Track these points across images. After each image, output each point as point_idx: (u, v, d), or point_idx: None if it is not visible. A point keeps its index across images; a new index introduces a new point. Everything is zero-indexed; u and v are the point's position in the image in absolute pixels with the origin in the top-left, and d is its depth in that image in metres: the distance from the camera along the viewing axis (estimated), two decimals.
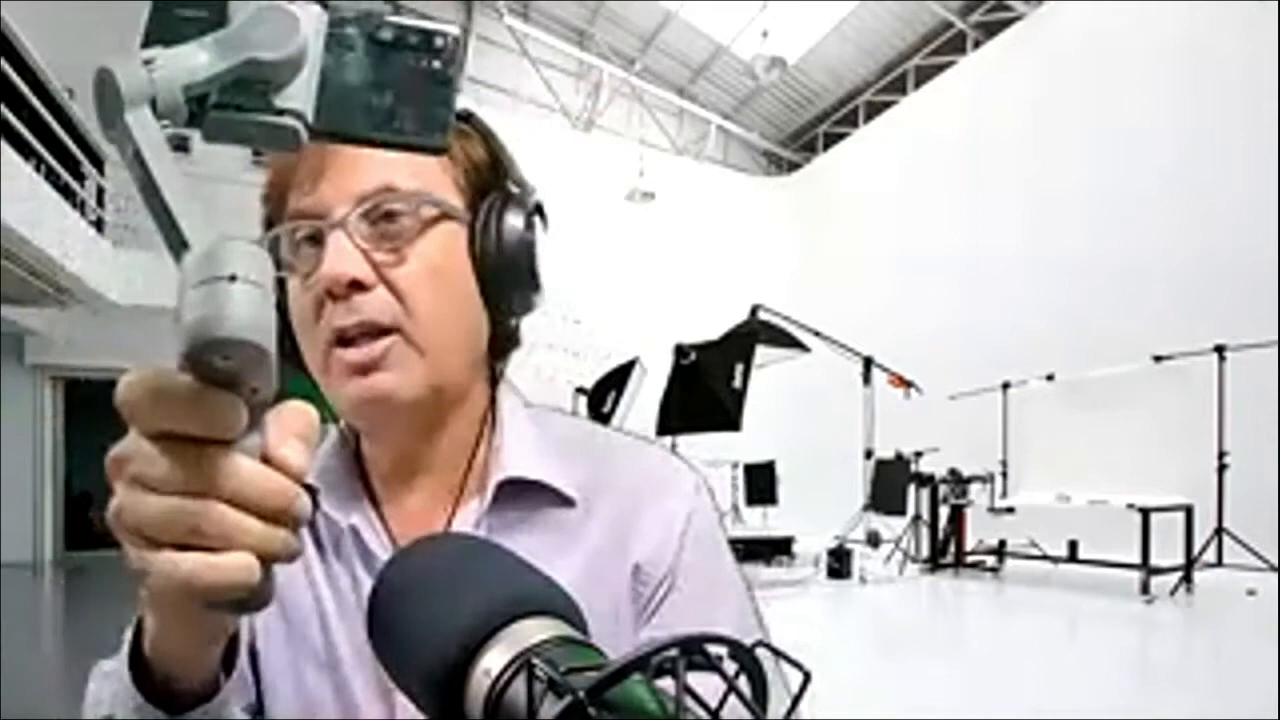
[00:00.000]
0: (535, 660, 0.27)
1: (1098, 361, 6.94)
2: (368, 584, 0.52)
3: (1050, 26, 10.35)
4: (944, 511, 7.70)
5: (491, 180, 0.60)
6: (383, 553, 0.58)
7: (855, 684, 3.66)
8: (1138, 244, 8.42)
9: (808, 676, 0.29)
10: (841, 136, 14.57)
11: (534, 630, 0.30)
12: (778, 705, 0.31)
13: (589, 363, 10.62)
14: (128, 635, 0.42)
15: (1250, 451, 6.15)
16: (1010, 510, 7.27)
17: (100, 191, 8.48)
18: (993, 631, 5.53)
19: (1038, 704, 3.44)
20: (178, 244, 0.28)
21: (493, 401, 0.63)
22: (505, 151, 0.63)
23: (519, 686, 0.27)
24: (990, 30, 11.66)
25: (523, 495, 0.58)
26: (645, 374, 7.64)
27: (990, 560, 7.51)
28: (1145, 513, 5.78)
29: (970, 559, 7.63)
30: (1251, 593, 5.57)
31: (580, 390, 8.36)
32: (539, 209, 0.61)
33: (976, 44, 11.98)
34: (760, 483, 10.00)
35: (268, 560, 0.30)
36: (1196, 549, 5.90)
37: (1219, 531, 6.07)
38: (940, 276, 11.05)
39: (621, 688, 0.25)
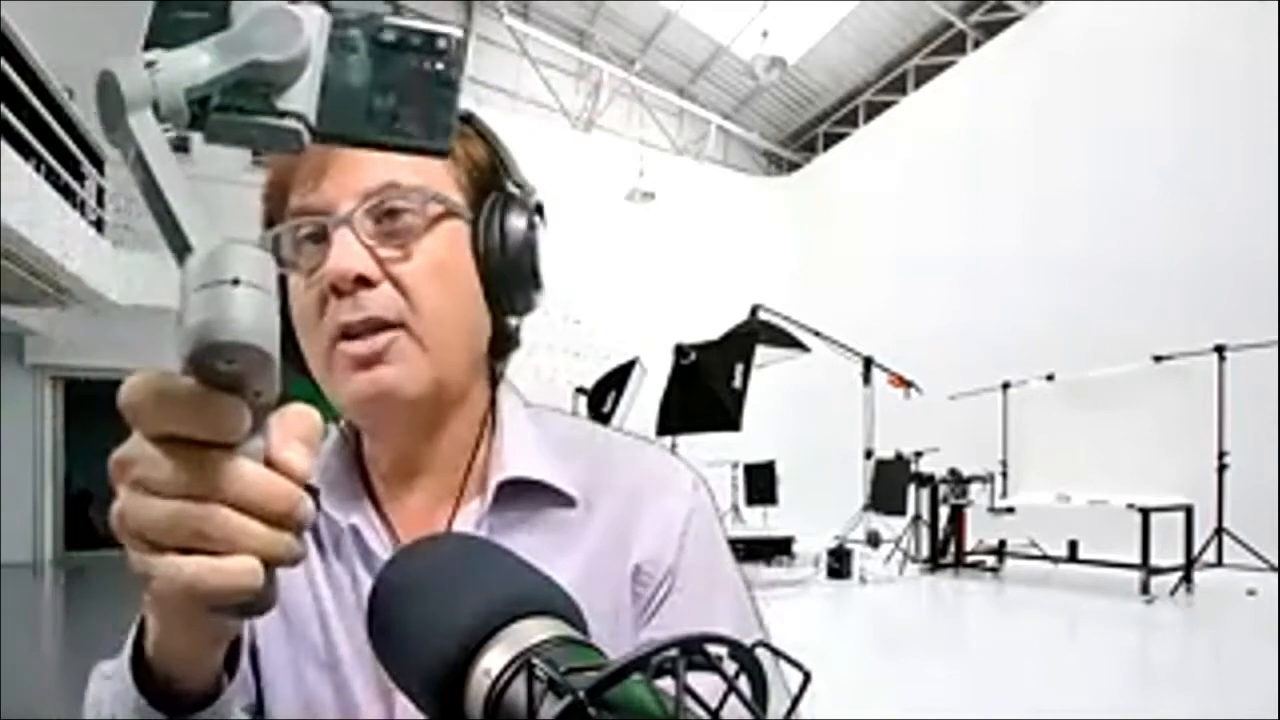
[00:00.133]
0: (535, 660, 0.27)
1: (1098, 361, 6.93)
2: (368, 583, 0.52)
3: (1050, 26, 10.35)
4: (944, 511, 7.69)
5: (493, 180, 0.60)
6: (383, 552, 0.58)
7: (855, 684, 3.65)
8: (1138, 244, 8.41)
9: (808, 676, 0.29)
10: (841, 136, 14.56)
11: (534, 630, 0.30)
12: (778, 705, 0.31)
13: (589, 363, 10.61)
14: (130, 636, 0.42)
15: (1250, 451, 6.14)
16: (1010, 510, 7.26)
17: (100, 191, 8.48)
18: (993, 631, 5.52)
19: (1038, 704, 3.43)
20: (180, 246, 0.28)
21: (493, 402, 0.63)
22: (506, 152, 0.63)
23: (519, 686, 0.27)
24: (990, 30, 11.65)
25: (523, 495, 0.59)
26: (645, 374, 7.63)
27: (990, 560, 7.50)
28: (1145, 513, 5.78)
29: (970, 559, 7.62)
30: (1251, 593, 5.56)
31: (580, 390, 8.34)
32: (539, 209, 0.61)
33: (976, 44, 11.98)
34: (760, 483, 9.99)
35: (271, 564, 0.30)
36: (1196, 549, 5.89)
37: (1219, 531, 6.06)
38: (940, 276, 11.04)
39: (621, 688, 0.25)
